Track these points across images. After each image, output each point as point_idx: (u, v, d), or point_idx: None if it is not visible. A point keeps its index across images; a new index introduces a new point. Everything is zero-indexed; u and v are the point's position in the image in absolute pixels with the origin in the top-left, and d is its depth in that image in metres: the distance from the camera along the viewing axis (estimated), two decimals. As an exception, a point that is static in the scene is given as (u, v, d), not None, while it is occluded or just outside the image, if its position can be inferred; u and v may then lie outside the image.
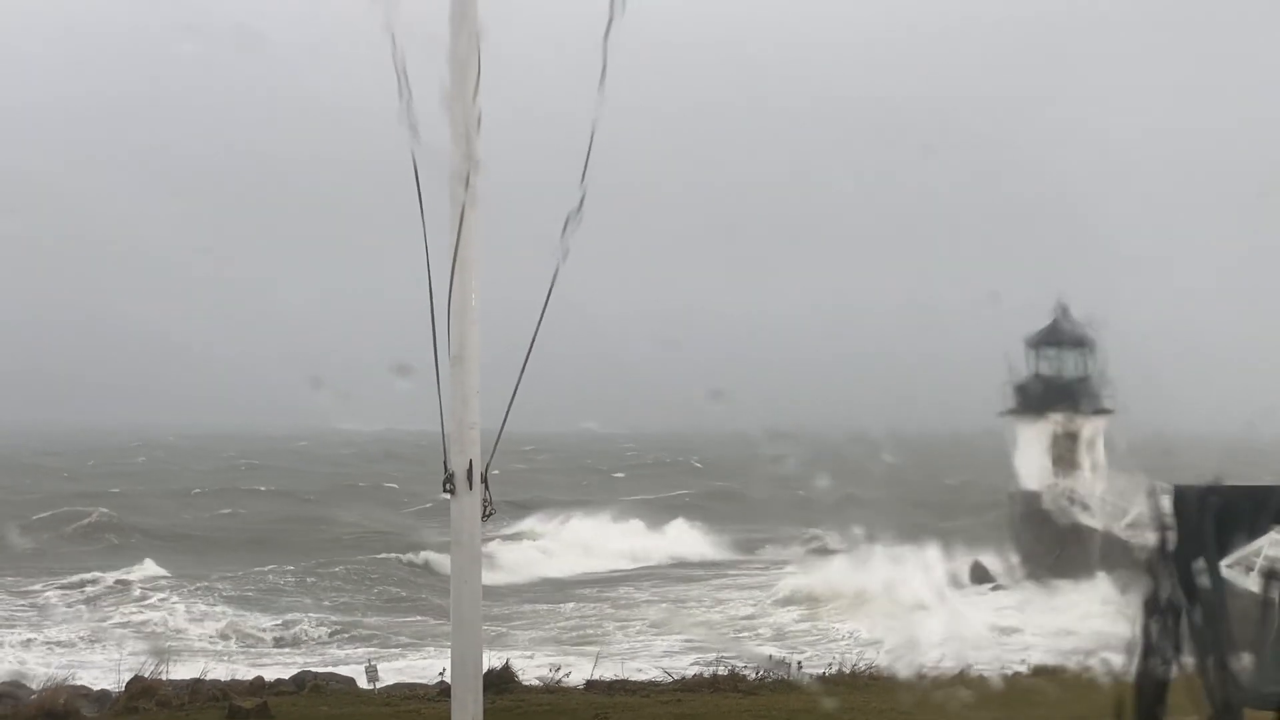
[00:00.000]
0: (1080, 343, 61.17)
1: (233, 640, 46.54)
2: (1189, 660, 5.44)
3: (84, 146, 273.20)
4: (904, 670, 23.67)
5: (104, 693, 20.58)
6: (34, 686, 22.80)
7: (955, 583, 58.76)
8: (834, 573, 57.78)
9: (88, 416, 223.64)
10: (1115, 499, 54.45)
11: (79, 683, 23.12)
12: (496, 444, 10.43)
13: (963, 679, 19.96)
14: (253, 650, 44.66)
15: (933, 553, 63.35)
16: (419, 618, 50.81)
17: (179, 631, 47.05)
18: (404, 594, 57.52)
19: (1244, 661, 5.50)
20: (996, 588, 57.14)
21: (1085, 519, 55.80)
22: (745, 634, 47.88)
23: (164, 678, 20.77)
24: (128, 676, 20.37)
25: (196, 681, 20.92)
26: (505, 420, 10.40)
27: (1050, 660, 28.13)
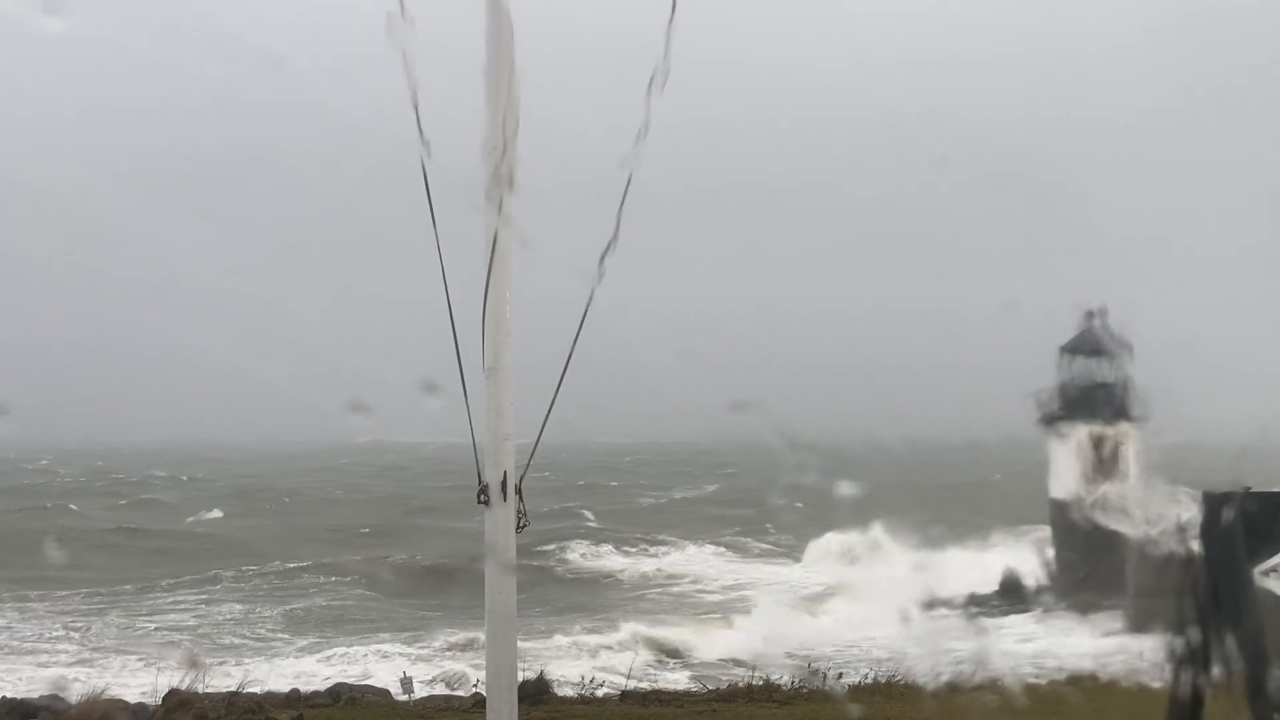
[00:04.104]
0: (1112, 350, 60.87)
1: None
2: (1224, 668, 5.43)
3: (109, 163, 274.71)
4: (936, 680, 23.63)
5: (141, 705, 20.66)
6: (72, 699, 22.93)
7: (986, 593, 58.72)
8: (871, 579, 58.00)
9: (111, 433, 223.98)
10: (1147, 506, 54.16)
11: (116, 695, 23.22)
12: (531, 456, 10.45)
13: (995, 688, 19.92)
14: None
15: (966, 559, 63.47)
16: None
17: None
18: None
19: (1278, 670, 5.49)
20: (1024, 609, 56.78)
21: (1118, 526, 55.49)
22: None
23: (201, 690, 20.85)
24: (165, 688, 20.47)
25: (233, 694, 21.01)
26: (541, 432, 10.42)
27: (1083, 670, 28.04)
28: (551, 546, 77.67)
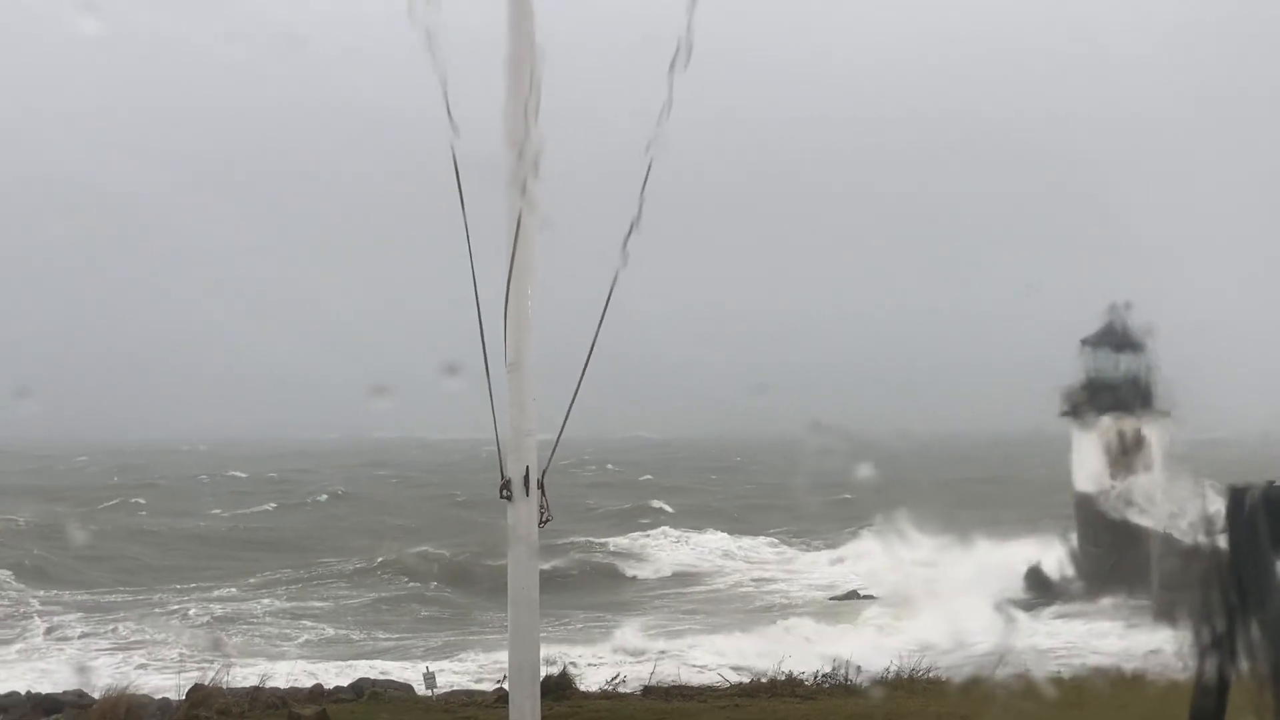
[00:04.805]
0: (1134, 345, 60.70)
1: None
2: (1249, 660, 5.41)
3: (138, 150, 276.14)
4: (960, 674, 23.58)
5: (165, 701, 20.72)
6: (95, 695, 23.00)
7: (1012, 589, 58.58)
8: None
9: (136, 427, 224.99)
10: (1171, 500, 53.99)
11: (140, 691, 23.30)
12: (554, 451, 10.46)
13: (1019, 682, 19.86)
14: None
15: (991, 555, 63.36)
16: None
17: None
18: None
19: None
20: (1047, 604, 56.60)
21: (1142, 519, 55.33)
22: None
23: (224, 685, 20.89)
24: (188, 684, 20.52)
25: (256, 689, 21.05)
26: (563, 427, 10.42)
27: (1107, 662, 27.94)
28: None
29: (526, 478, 10.16)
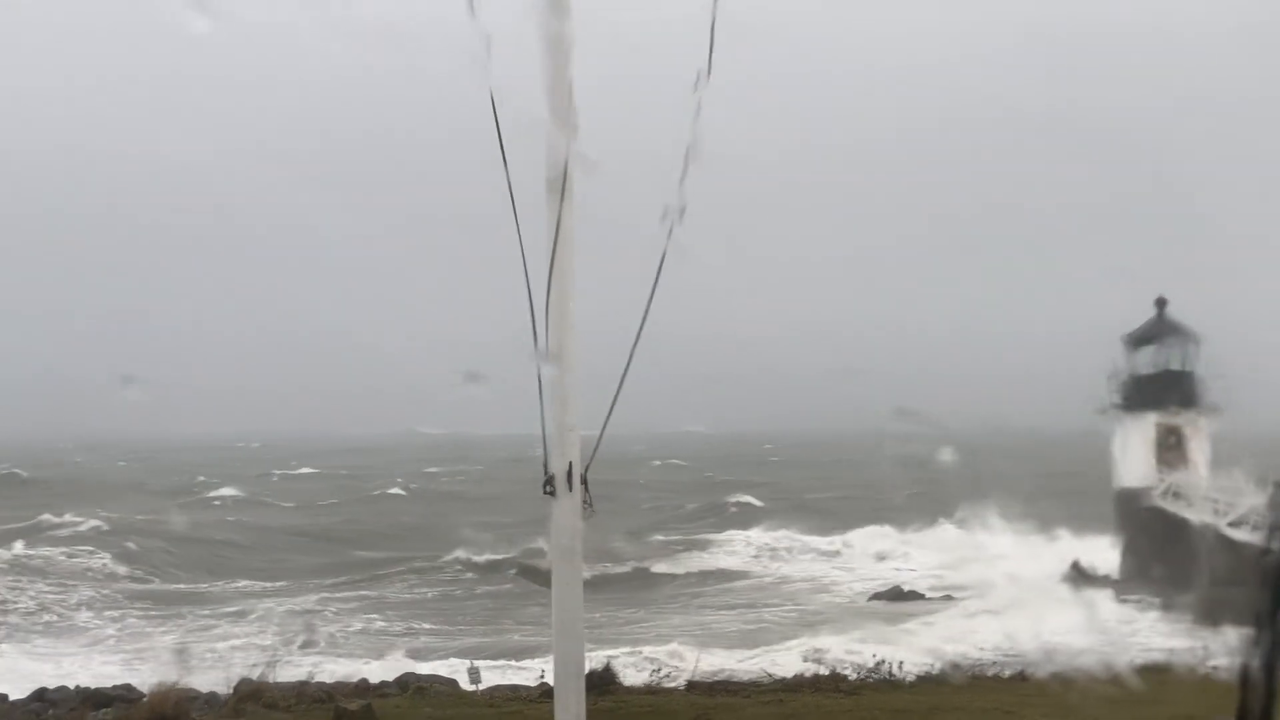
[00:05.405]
0: (1182, 338, 60.27)
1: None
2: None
3: (234, 137, 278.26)
4: (1007, 669, 23.51)
5: (213, 695, 20.87)
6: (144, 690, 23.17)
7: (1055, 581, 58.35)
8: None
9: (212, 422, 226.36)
10: (1220, 496, 53.63)
11: (188, 685, 23.47)
12: (597, 446, 10.48)
13: (1063, 676, 19.79)
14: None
15: (1034, 549, 63.18)
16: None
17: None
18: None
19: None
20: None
21: (1187, 515, 54.97)
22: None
23: (271, 680, 21.04)
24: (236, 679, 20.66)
25: (302, 684, 21.21)
26: (607, 421, 10.44)
27: (1152, 660, 27.77)
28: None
29: (570, 473, 10.20)
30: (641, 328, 10.21)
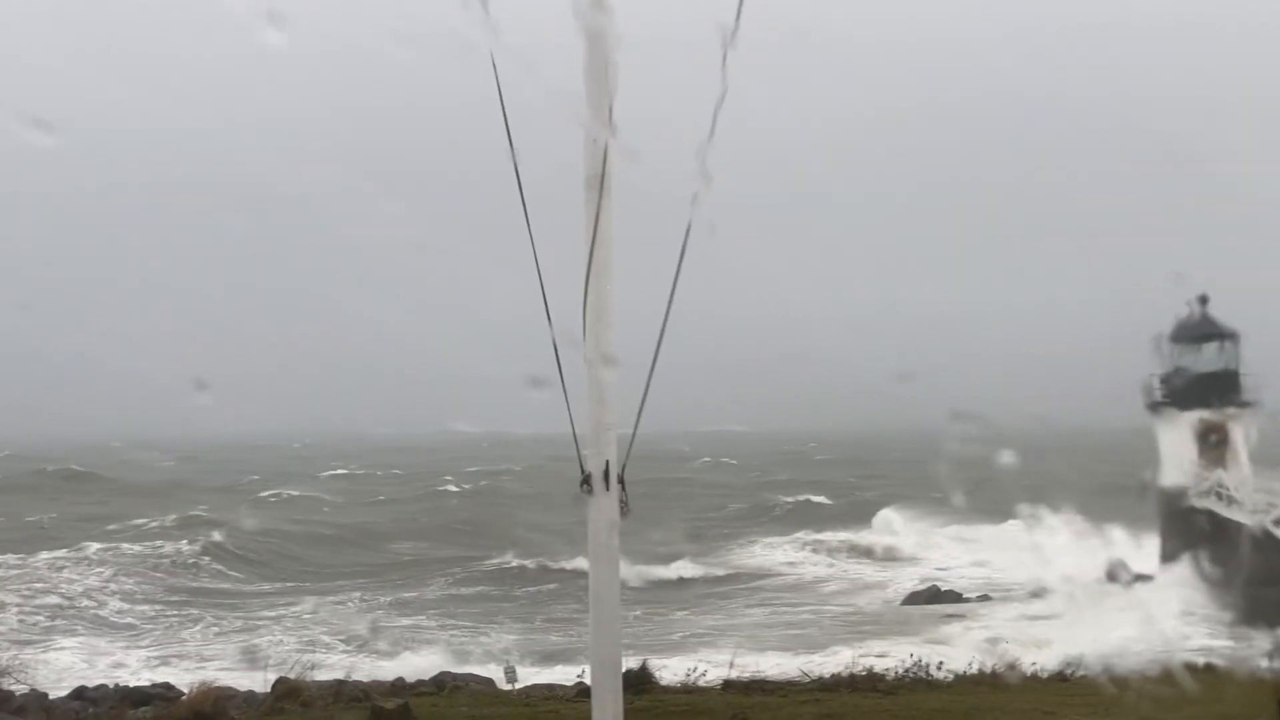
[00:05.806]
0: (1222, 335, 59.87)
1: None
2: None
3: (313, 153, 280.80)
4: (1047, 670, 23.38)
5: (251, 694, 20.96)
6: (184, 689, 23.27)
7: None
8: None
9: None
10: (1262, 493, 53.25)
11: (226, 684, 23.57)
12: (631, 444, 10.43)
13: (1104, 676, 19.67)
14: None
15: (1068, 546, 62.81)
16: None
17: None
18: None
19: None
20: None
21: (1228, 514, 54.57)
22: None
23: (308, 679, 21.10)
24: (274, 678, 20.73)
25: (340, 683, 21.26)
26: (638, 419, 10.39)
27: (1193, 659, 27.57)
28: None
29: (606, 472, 10.17)
30: (667, 315, 10.15)
